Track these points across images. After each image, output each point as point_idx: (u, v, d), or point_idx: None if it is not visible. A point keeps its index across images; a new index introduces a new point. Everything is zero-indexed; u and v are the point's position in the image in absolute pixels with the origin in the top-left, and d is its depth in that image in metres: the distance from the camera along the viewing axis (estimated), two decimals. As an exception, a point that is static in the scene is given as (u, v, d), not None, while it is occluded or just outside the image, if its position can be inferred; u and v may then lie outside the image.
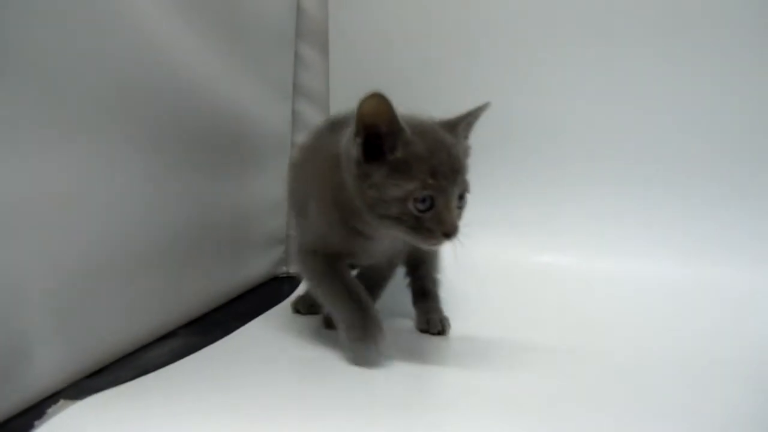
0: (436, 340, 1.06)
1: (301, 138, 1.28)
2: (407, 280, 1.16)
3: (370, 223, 0.88)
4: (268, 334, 1.08)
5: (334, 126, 1.00)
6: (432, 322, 1.08)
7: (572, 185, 1.37)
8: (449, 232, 0.84)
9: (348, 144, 0.86)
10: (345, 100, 1.45)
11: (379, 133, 0.83)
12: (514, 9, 1.38)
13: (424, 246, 0.87)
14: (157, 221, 1.00)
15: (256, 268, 1.37)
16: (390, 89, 1.41)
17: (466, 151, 0.91)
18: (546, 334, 1.09)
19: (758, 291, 1.21)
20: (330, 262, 0.96)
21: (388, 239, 0.94)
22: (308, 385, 0.89)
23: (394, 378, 0.89)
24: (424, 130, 0.86)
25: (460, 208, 0.88)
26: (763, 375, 0.97)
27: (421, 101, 1.40)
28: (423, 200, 0.83)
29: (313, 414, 0.78)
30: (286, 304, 1.22)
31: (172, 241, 1.04)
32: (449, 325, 1.09)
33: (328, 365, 0.93)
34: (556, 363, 0.98)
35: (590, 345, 1.04)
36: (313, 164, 0.98)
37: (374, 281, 1.06)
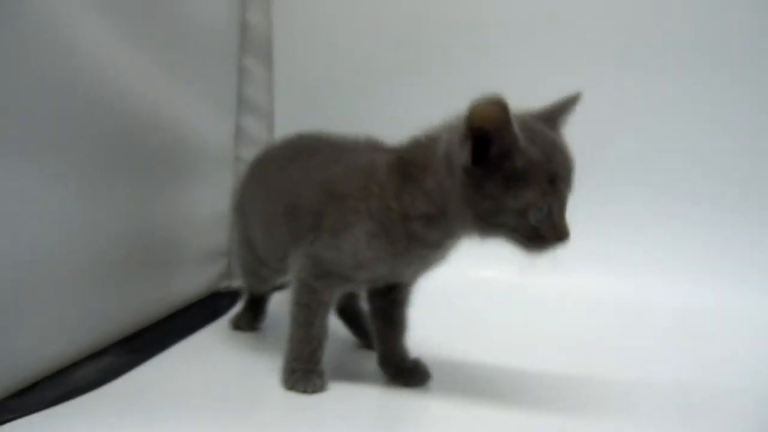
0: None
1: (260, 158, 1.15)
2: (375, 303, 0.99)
3: (453, 231, 0.84)
4: (203, 351, 1.05)
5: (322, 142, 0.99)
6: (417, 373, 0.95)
7: None
8: (564, 236, 0.80)
9: (450, 148, 0.80)
10: (290, 114, 1.47)
11: (488, 139, 0.77)
12: (467, 17, 1.39)
13: (532, 253, 0.81)
14: (87, 236, 0.98)
15: (195, 282, 1.35)
16: (335, 102, 1.45)
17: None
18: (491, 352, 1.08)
19: (726, 308, 1.25)
20: (329, 296, 0.91)
21: (455, 244, 0.88)
22: (242, 406, 0.87)
23: (336, 400, 0.87)
24: (534, 131, 0.79)
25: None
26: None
27: (367, 113, 1.42)
28: (540, 209, 0.78)
29: None
30: (225, 320, 1.20)
31: (103, 255, 1.01)
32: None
33: (264, 386, 0.91)
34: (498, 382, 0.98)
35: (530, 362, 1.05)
36: (335, 184, 0.89)
37: (396, 305, 0.97)
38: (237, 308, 1.23)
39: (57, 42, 0.89)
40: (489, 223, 0.80)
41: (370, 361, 0.98)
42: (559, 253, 1.31)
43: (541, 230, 0.79)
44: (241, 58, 1.44)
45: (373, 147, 0.95)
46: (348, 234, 0.86)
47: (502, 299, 1.29)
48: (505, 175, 0.77)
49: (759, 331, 1.20)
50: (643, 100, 1.35)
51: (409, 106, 1.39)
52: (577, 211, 1.34)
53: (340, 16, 1.43)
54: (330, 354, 0.93)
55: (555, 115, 0.85)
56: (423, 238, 0.85)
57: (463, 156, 0.78)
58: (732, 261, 1.33)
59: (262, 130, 1.48)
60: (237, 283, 1.43)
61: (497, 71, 1.37)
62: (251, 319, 1.15)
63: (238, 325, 1.16)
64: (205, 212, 1.37)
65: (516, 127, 0.75)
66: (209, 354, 1.04)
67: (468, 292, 1.30)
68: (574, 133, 1.32)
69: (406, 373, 0.94)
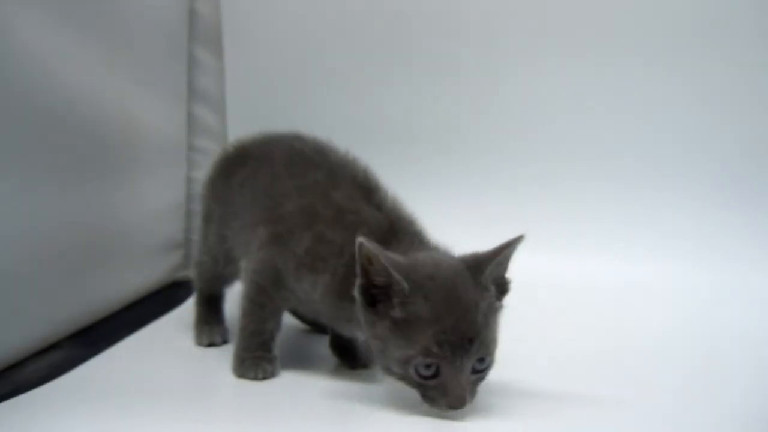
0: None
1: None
2: None
3: None
4: (157, 342, 1.06)
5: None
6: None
7: (538, 184, 1.39)
8: (453, 405, 0.73)
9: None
10: (242, 103, 1.47)
11: (370, 278, 0.75)
12: (421, 6, 1.38)
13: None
14: (39, 229, 0.98)
15: (151, 273, 1.35)
16: (286, 92, 1.45)
17: (491, 307, 0.76)
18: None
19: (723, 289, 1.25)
20: (284, 304, 0.92)
21: None
22: (195, 395, 0.88)
23: (285, 386, 0.88)
24: (434, 282, 0.73)
25: (479, 374, 0.76)
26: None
27: (317, 101, 1.42)
28: (427, 366, 0.73)
29: (204, 429, 0.77)
30: (180, 311, 1.21)
31: (56, 248, 1.01)
32: None
33: (217, 375, 0.92)
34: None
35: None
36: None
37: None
38: (195, 319, 1.11)
39: (8, 45, 0.89)
40: (380, 365, 0.78)
41: (322, 345, 1.00)
42: (558, 238, 1.34)
43: (429, 391, 0.74)
44: (191, 47, 1.43)
45: (364, 191, 0.89)
46: (312, 277, 0.85)
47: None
48: (393, 321, 0.74)
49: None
50: (638, 91, 1.35)
51: (358, 95, 1.41)
52: (572, 195, 1.38)
53: (288, 4, 1.42)
54: (282, 339, 0.94)
55: (486, 261, 0.76)
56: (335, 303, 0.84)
57: (357, 294, 0.76)
58: (732, 245, 1.33)
59: (215, 120, 1.48)
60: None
61: (452, 57, 1.38)
62: (221, 331, 1.07)
63: (211, 340, 1.05)
64: (160, 203, 1.37)
65: (398, 275, 0.72)
66: (163, 345, 1.05)
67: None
68: (579, 125, 1.36)
69: (352, 355, 0.96)
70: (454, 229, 0.85)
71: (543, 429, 0.78)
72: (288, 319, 1.11)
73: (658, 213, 1.36)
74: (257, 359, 0.90)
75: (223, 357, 0.95)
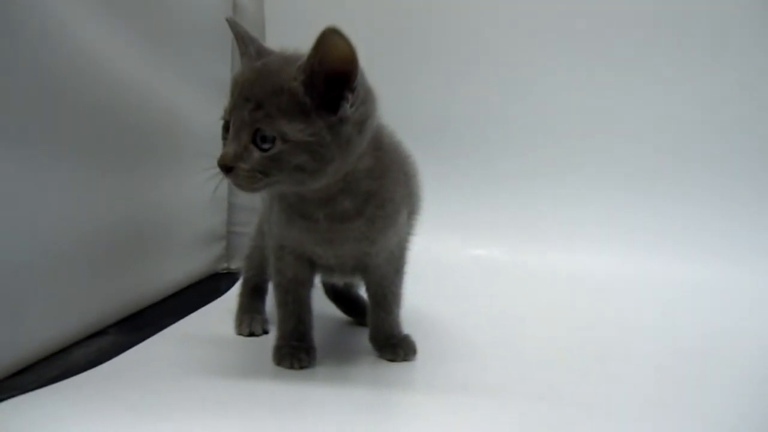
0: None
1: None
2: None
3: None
4: (200, 331, 1.08)
5: None
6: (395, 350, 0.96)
7: (508, 179, 1.41)
8: (218, 162, 0.78)
9: None
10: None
11: None
12: (462, 11, 1.40)
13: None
14: (86, 220, 1.00)
15: (193, 264, 1.37)
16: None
17: (297, 103, 0.77)
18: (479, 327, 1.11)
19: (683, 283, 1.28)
20: (292, 273, 0.93)
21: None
22: (235, 383, 0.89)
23: (325, 381, 0.89)
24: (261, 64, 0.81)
25: (263, 150, 0.76)
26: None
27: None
28: (224, 125, 0.81)
29: (242, 415, 0.78)
30: (222, 301, 1.23)
31: (103, 238, 1.04)
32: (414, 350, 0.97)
33: (258, 364, 0.93)
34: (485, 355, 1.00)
35: (513, 337, 1.07)
36: None
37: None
38: (236, 310, 1.13)
39: (48, 33, 0.90)
40: None
41: (363, 337, 1.01)
42: (552, 233, 1.36)
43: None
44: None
45: None
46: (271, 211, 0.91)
47: (493, 277, 1.31)
48: None
49: (753, 305, 1.22)
50: (635, 89, 1.36)
51: (400, 92, 1.42)
52: (569, 192, 1.39)
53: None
54: (324, 331, 0.95)
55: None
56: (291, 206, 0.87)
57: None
58: (720, 238, 1.35)
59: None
60: (235, 264, 1.46)
61: (466, 58, 1.40)
62: (261, 321, 1.07)
63: (252, 329, 1.06)
64: (202, 195, 1.38)
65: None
66: (205, 333, 1.07)
67: (460, 270, 1.32)
68: (572, 121, 1.37)
69: (391, 348, 0.96)
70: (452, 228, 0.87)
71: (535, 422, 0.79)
72: (330, 313, 1.13)
73: (651, 210, 1.37)
74: (294, 349, 0.91)
75: (263, 346, 0.97)
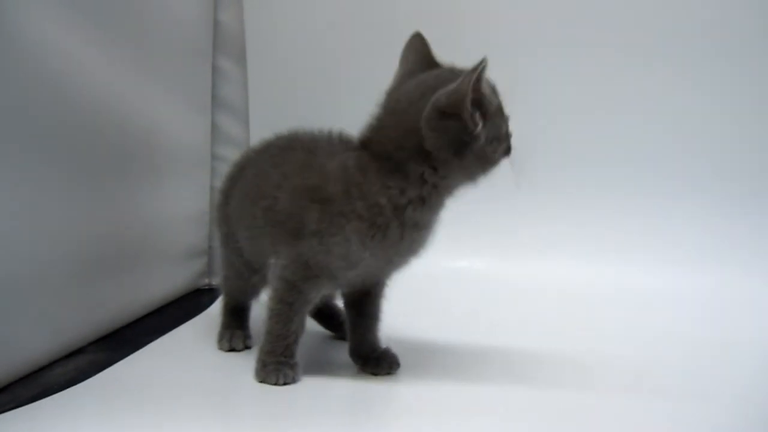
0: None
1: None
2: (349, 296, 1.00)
3: (442, 204, 0.91)
4: (181, 348, 1.07)
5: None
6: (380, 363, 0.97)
7: (490, 191, 1.41)
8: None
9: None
10: (265, 112, 1.49)
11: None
12: (443, 13, 1.39)
13: None
14: (66, 235, 0.99)
15: (175, 280, 1.36)
16: (309, 101, 1.46)
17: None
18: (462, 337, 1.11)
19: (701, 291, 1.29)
20: (315, 295, 0.92)
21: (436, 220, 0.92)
22: (217, 400, 0.89)
23: (307, 391, 0.89)
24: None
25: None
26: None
27: (341, 109, 1.43)
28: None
29: (224, 430, 0.78)
30: (203, 318, 1.22)
31: (82, 254, 1.03)
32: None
33: (240, 380, 0.92)
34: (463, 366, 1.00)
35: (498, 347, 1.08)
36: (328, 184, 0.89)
37: (370, 298, 0.98)
38: (219, 326, 1.10)
39: (27, 50, 0.90)
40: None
41: (342, 351, 1.00)
42: (535, 245, 1.37)
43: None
44: (215, 57, 1.45)
45: (345, 144, 0.95)
46: (337, 237, 0.86)
47: (475, 289, 1.32)
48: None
49: (743, 313, 1.24)
50: (635, 92, 1.37)
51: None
52: (554, 198, 1.40)
53: (311, 13, 1.44)
54: (303, 345, 0.95)
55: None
56: (416, 222, 0.88)
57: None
58: (712, 246, 1.35)
59: (238, 129, 1.49)
60: (217, 280, 1.45)
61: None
62: (242, 337, 1.06)
63: (232, 345, 1.05)
64: (184, 210, 1.39)
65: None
66: (186, 350, 1.06)
67: (441, 282, 1.32)
68: (555, 134, 1.37)
69: (374, 362, 0.96)
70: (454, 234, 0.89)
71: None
72: (310, 326, 1.12)
73: (633, 221, 1.38)
74: (279, 364, 0.91)
75: (245, 362, 0.96)
